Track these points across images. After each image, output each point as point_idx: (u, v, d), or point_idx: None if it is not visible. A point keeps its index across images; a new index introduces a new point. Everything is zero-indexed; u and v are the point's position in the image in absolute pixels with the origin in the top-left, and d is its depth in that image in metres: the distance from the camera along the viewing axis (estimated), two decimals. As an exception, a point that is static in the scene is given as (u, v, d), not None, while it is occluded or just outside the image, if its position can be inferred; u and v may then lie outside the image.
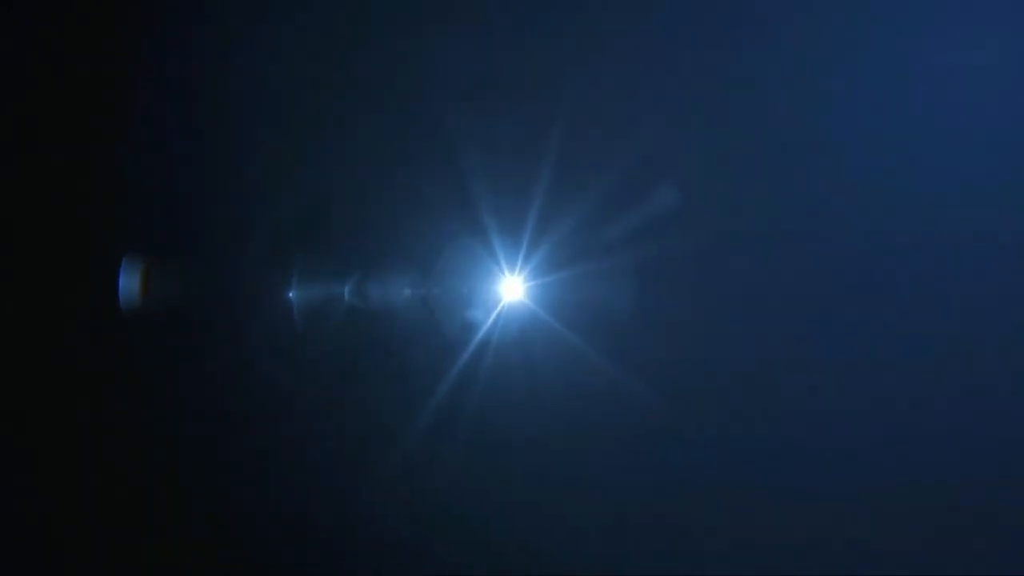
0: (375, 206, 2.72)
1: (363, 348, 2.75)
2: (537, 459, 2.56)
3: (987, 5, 2.28)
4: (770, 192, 2.43)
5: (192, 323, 2.66)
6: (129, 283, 2.59)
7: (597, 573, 2.52)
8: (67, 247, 2.64)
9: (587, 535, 2.52)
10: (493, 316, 2.64)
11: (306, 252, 2.75)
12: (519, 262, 2.60)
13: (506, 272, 2.63)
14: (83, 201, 2.64)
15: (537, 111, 2.52)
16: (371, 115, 2.67)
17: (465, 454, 2.59)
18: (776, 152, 2.42)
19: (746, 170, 2.44)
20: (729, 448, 2.45)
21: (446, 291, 2.70)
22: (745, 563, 2.41)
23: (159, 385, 2.64)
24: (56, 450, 2.61)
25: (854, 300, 2.38)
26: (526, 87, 2.55)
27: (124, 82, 2.67)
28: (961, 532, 2.27)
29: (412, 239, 2.72)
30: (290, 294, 2.73)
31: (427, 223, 2.67)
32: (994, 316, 2.28)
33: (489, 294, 2.66)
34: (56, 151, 2.63)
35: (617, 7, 2.48)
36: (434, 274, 2.71)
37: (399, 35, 2.62)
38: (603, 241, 2.53)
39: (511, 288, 2.64)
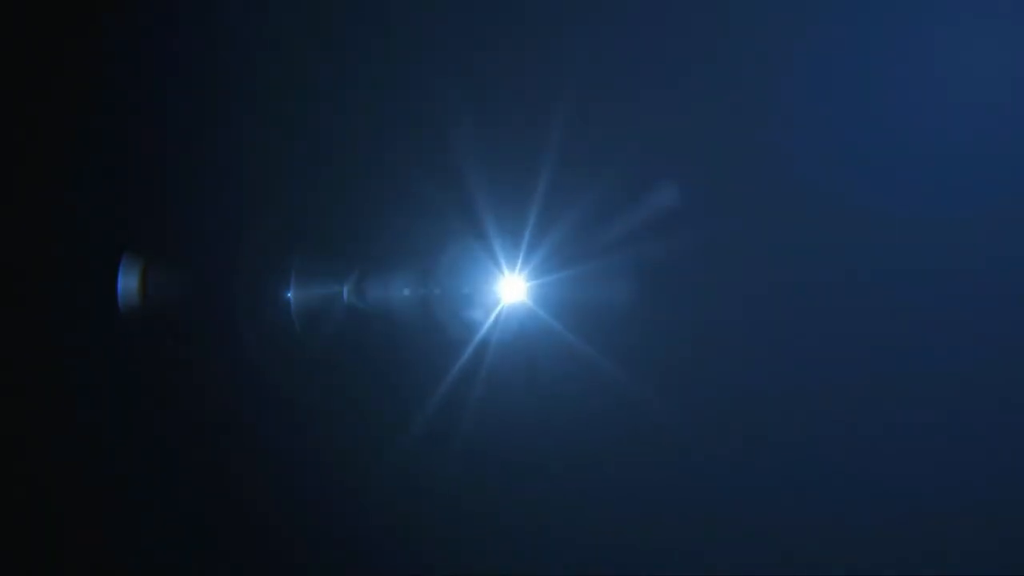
0: (374, 206, 2.72)
1: (362, 349, 2.75)
2: (537, 459, 2.56)
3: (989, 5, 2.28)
4: (770, 192, 2.42)
5: (191, 323, 2.66)
6: (128, 283, 2.60)
7: (597, 573, 2.52)
8: (67, 247, 2.64)
9: (587, 534, 2.52)
10: (493, 316, 2.64)
11: (305, 252, 2.75)
12: (519, 262, 2.60)
13: (506, 272, 2.63)
14: (83, 201, 2.64)
15: (537, 111, 2.52)
16: (371, 115, 2.67)
17: (465, 454, 2.59)
18: (776, 151, 2.41)
19: (746, 170, 2.44)
20: (729, 448, 2.45)
21: (446, 291, 2.70)
22: (746, 563, 2.41)
23: (158, 385, 2.64)
24: (55, 450, 2.61)
25: (855, 299, 2.38)
26: (526, 87, 2.54)
27: (123, 82, 2.68)
28: (961, 534, 2.27)
29: (412, 239, 2.72)
30: (289, 294, 2.73)
31: (427, 223, 2.67)
32: (995, 315, 2.27)
33: (489, 294, 2.66)
34: (55, 151, 2.63)
35: (617, 7, 2.48)
36: (434, 274, 2.71)
37: (399, 35, 2.62)
38: (603, 241, 2.52)
39: (511, 288, 2.63)
